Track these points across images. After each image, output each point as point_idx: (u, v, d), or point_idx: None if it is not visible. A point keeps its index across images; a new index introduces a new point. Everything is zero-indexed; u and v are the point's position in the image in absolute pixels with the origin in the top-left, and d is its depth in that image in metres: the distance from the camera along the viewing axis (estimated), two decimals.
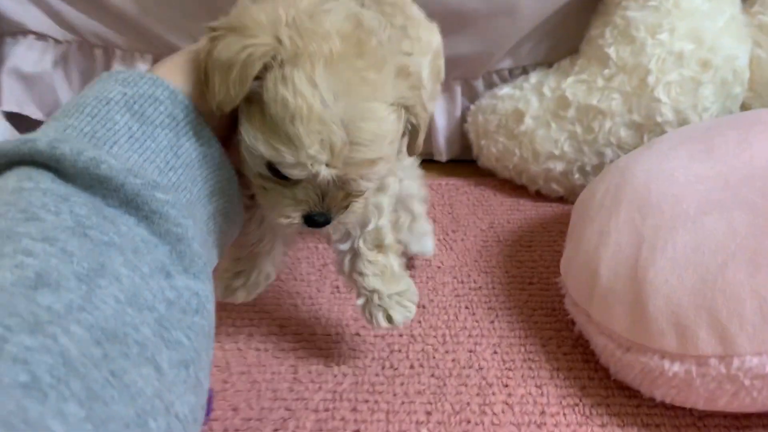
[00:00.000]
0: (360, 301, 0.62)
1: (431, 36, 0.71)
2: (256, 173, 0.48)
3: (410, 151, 0.54)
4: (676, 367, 0.58)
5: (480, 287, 0.81)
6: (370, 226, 0.59)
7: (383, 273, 0.60)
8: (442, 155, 1.08)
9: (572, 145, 0.93)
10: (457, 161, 1.10)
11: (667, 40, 0.86)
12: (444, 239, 0.90)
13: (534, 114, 0.95)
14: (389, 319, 0.61)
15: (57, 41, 1.01)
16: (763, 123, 0.70)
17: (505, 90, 1.00)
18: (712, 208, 0.62)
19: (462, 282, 0.82)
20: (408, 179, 0.73)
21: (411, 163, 0.72)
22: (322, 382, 0.66)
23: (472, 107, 1.04)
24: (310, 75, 0.43)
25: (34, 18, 0.98)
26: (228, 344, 0.70)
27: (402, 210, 0.74)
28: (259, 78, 0.44)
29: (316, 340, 0.71)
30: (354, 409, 0.63)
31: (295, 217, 0.49)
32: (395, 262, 0.62)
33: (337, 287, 0.79)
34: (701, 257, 0.59)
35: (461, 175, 1.07)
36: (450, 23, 0.90)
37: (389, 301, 0.60)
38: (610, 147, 0.91)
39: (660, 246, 0.62)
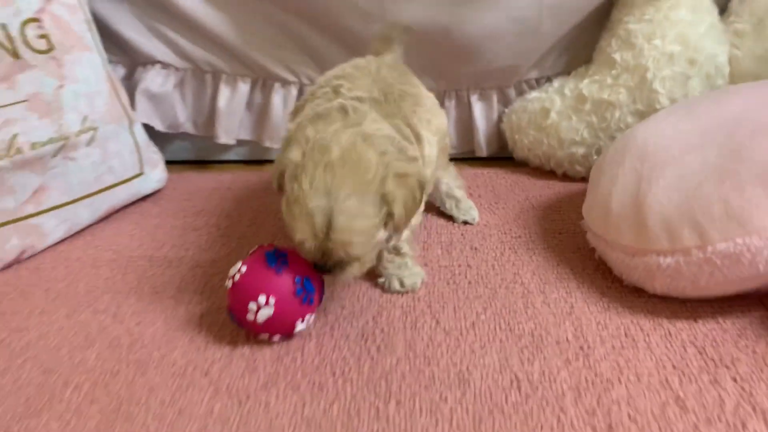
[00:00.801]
0: (381, 280, 0.87)
1: (440, 120, 0.91)
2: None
3: (394, 229, 0.71)
4: (669, 260, 0.79)
5: (519, 236, 1.02)
6: (391, 243, 0.84)
7: (399, 267, 0.86)
8: (483, 151, 1.32)
9: (590, 132, 1.16)
10: (496, 158, 1.33)
11: (660, 44, 1.09)
12: (488, 207, 1.12)
13: (558, 110, 1.18)
14: (401, 283, 0.86)
15: (176, 69, 1.28)
16: (730, 92, 0.92)
17: (533, 94, 1.24)
18: (692, 149, 0.83)
19: (505, 233, 1.03)
20: (447, 178, 1.03)
21: (446, 164, 1.01)
22: (404, 293, 0.88)
23: (506, 110, 1.28)
24: (311, 177, 0.65)
25: (160, 51, 1.26)
26: None
27: (447, 198, 1.05)
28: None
29: None
30: (429, 306, 0.85)
31: (307, 255, 0.70)
32: (410, 261, 0.87)
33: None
34: (684, 182, 0.80)
35: (500, 166, 1.30)
36: (486, 43, 1.16)
37: (402, 272, 0.86)
38: (620, 131, 1.13)
39: (654, 179, 0.83)
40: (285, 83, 1.28)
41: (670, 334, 0.78)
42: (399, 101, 0.80)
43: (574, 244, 0.98)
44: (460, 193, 1.06)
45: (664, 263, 0.79)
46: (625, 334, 0.78)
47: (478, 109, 1.28)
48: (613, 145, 0.96)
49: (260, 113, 1.31)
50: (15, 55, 0.93)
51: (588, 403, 0.67)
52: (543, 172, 1.26)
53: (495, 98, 1.29)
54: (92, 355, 0.77)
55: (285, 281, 0.71)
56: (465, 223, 1.06)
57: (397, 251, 0.86)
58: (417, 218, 0.83)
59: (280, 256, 0.73)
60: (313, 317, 0.76)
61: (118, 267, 0.96)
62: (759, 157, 0.76)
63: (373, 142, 0.68)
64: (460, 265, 0.94)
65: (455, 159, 1.25)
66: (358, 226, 0.66)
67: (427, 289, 0.89)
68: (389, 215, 0.68)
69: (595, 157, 1.16)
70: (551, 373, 0.72)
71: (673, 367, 0.72)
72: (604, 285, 0.88)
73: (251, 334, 0.77)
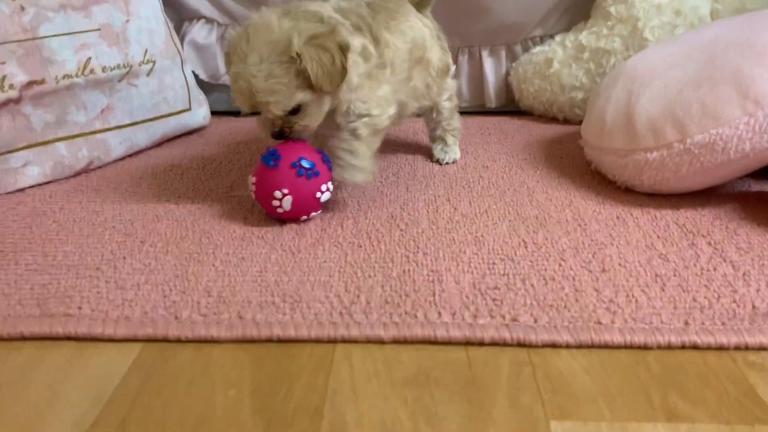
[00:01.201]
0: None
1: (417, 34, 0.97)
2: None
3: (315, 84, 0.79)
4: (654, 155, 0.92)
5: (525, 158, 1.16)
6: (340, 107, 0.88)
7: (353, 152, 0.89)
8: (492, 103, 1.46)
9: (588, 77, 1.30)
10: (503, 111, 1.47)
11: None
12: (498, 142, 1.26)
13: (560, 59, 1.33)
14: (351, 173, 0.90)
15: (219, 23, 1.43)
16: (706, 25, 1.07)
17: (537, 48, 1.39)
18: (674, 65, 0.97)
19: (513, 157, 1.17)
20: (452, 79, 1.11)
21: (441, 88, 1.08)
22: (427, 187, 1.01)
23: (514, 64, 1.42)
24: (233, 48, 0.79)
25: (204, 7, 1.41)
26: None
27: (435, 137, 1.15)
28: None
29: (417, 170, 1.07)
30: (447, 200, 0.98)
31: (265, 133, 0.86)
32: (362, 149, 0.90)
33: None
34: (667, 91, 0.94)
35: (508, 116, 1.44)
36: (497, 0, 1.30)
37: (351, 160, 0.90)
38: None
39: (642, 92, 0.97)
40: None
41: (655, 217, 0.91)
42: (374, 15, 0.92)
43: (573, 164, 1.12)
44: (450, 138, 1.14)
45: (650, 158, 0.92)
46: (617, 217, 0.91)
47: (488, 64, 1.43)
48: (608, 75, 1.10)
49: None
50: None
51: (584, 257, 0.80)
52: (546, 118, 1.40)
53: (504, 54, 1.43)
54: (161, 226, 0.90)
55: (284, 171, 0.84)
56: (437, 162, 1.13)
57: (353, 132, 0.89)
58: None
59: (272, 154, 0.85)
60: (330, 185, 0.88)
61: (174, 174, 1.10)
62: (729, 64, 0.90)
63: (293, 16, 0.80)
64: (473, 177, 1.07)
65: (466, 112, 1.40)
66: (270, 86, 0.78)
67: (445, 188, 1.02)
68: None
69: None
70: (553, 239, 0.85)
71: (657, 236, 0.85)
72: (599, 187, 1.01)
73: (293, 220, 0.90)
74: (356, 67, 0.85)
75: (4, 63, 0.97)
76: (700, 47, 0.98)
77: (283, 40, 0.77)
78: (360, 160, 0.90)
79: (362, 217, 0.92)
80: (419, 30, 0.99)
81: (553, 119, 1.39)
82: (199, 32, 1.41)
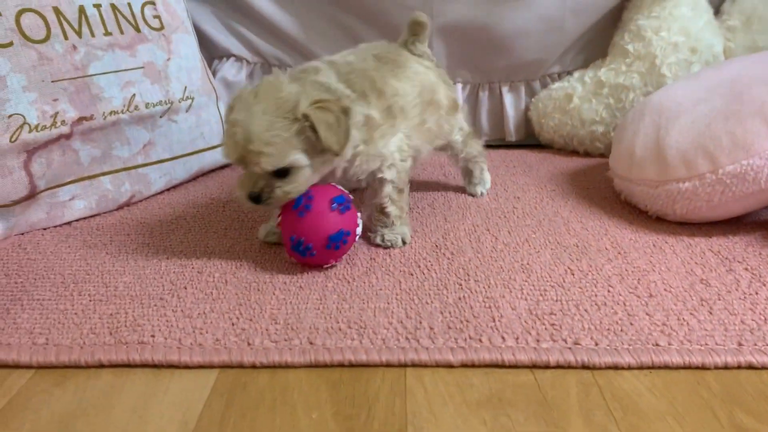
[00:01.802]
0: (370, 234, 0.96)
1: (426, 78, 1.00)
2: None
3: (324, 144, 0.79)
4: (687, 185, 0.96)
5: (553, 190, 1.20)
6: (337, 173, 0.89)
7: (385, 225, 0.95)
8: (512, 137, 1.50)
9: (608, 112, 1.35)
10: (522, 145, 1.52)
11: (666, 35, 1.30)
12: (523, 173, 1.30)
13: (579, 95, 1.38)
14: (383, 239, 0.94)
15: (248, 62, 1.48)
16: (726, 62, 1.12)
17: (556, 84, 1.44)
18: (700, 101, 1.02)
19: (541, 189, 1.21)
20: (460, 113, 1.11)
21: (461, 130, 1.11)
22: (464, 218, 1.04)
23: (533, 99, 1.47)
24: (237, 112, 0.79)
25: (234, 45, 1.46)
26: None
27: (464, 170, 1.17)
28: None
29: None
30: (487, 230, 1.01)
31: (242, 193, 0.81)
32: (395, 220, 0.95)
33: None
34: (696, 125, 0.99)
35: (528, 149, 1.49)
36: (518, 39, 1.36)
37: (384, 230, 0.95)
38: None
39: (671, 126, 1.02)
40: None
41: (690, 244, 0.94)
42: (381, 66, 0.94)
43: (601, 195, 1.16)
44: (476, 169, 1.16)
45: (683, 188, 0.97)
46: (654, 245, 0.95)
47: (508, 99, 1.48)
48: (632, 110, 1.15)
49: None
50: (137, 29, 1.12)
51: (630, 282, 0.83)
52: (566, 152, 1.44)
53: (523, 90, 1.48)
54: (215, 256, 0.92)
55: (326, 218, 0.83)
56: (471, 195, 1.17)
57: (381, 210, 0.95)
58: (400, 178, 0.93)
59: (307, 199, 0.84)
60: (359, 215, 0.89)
61: (216, 207, 1.12)
62: (756, 98, 0.95)
63: (301, 82, 0.83)
64: (507, 207, 1.11)
65: (488, 146, 1.44)
66: (268, 137, 0.77)
67: (482, 219, 1.06)
68: (314, 134, 0.78)
69: (612, 133, 1.35)
70: (597, 266, 0.88)
71: (695, 263, 0.89)
72: (631, 216, 1.05)
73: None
74: (353, 138, 0.85)
75: (56, 100, 1.00)
76: (724, 82, 1.03)
77: (291, 101, 0.79)
78: (393, 228, 0.96)
79: (407, 246, 0.95)
80: (424, 73, 1.01)
81: (573, 152, 1.43)
82: (229, 70, 1.46)
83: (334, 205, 0.84)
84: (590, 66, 1.43)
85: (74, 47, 1.03)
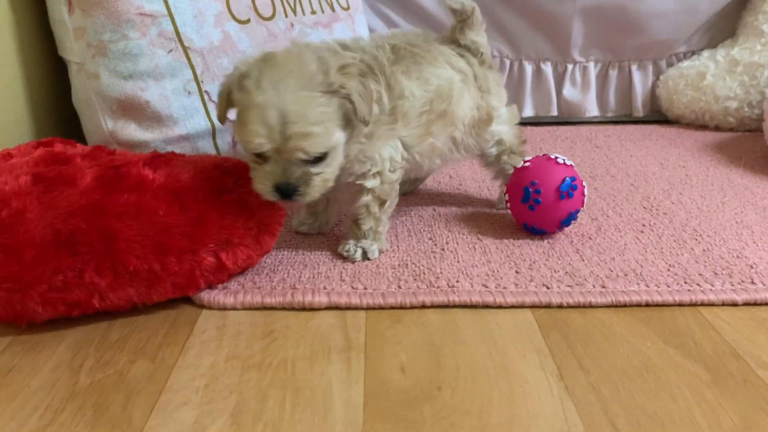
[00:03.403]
0: (341, 246, 0.85)
1: (442, 83, 0.85)
2: (249, 158, 0.71)
3: (360, 119, 0.71)
4: None
5: (712, 159, 1.28)
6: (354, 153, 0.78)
7: (359, 238, 0.84)
8: (639, 112, 1.59)
9: (742, 88, 1.44)
10: (648, 121, 1.61)
11: None
12: (670, 144, 1.38)
13: (713, 73, 1.47)
14: (344, 248, 0.84)
15: None
16: None
17: (686, 63, 1.53)
18: None
19: (700, 159, 1.29)
20: (503, 125, 0.96)
21: (507, 112, 0.96)
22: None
23: (662, 77, 1.56)
24: (257, 79, 0.66)
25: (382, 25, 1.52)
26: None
27: (497, 145, 0.96)
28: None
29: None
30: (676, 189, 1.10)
31: (267, 186, 0.69)
32: (369, 234, 0.84)
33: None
34: None
35: (656, 123, 1.57)
36: (653, 19, 1.44)
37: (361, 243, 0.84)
38: None
39: None
40: None
41: None
42: (396, 60, 0.82)
43: (761, 163, 1.24)
44: (513, 141, 0.98)
45: None
46: None
47: (637, 77, 1.56)
48: None
49: None
50: (332, 8, 1.19)
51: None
52: (695, 126, 1.53)
53: (651, 69, 1.57)
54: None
55: (557, 207, 0.87)
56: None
57: (354, 221, 0.84)
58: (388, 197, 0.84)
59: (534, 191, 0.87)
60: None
61: None
62: None
63: (312, 49, 0.75)
64: (680, 175, 1.19)
65: (613, 122, 1.52)
66: (313, 115, 0.66)
67: (667, 184, 1.14)
68: (350, 105, 0.69)
69: (746, 108, 1.44)
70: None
71: None
72: None
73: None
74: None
75: None
76: None
77: (321, 71, 0.69)
78: (366, 242, 0.85)
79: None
80: (447, 78, 0.86)
81: (702, 126, 1.52)
82: None
83: (562, 195, 0.86)
84: (720, 45, 1.52)
85: (292, 25, 1.09)
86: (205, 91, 0.96)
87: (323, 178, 0.71)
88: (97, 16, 0.89)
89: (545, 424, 0.56)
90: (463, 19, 0.90)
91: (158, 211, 0.70)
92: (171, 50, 0.93)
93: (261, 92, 0.65)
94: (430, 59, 0.85)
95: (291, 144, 0.66)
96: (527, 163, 0.90)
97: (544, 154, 0.92)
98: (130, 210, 0.69)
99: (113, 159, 0.77)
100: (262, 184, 0.70)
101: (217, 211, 0.73)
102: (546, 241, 0.91)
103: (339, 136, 0.71)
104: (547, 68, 1.55)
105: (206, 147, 0.97)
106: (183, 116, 0.94)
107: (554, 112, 1.57)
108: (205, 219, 0.72)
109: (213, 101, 0.97)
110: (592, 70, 1.55)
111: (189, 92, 0.95)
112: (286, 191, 0.69)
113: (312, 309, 0.74)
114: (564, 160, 0.89)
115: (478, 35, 0.92)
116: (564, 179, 0.87)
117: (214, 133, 0.98)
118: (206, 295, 0.75)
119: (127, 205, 0.70)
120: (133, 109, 0.92)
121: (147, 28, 0.91)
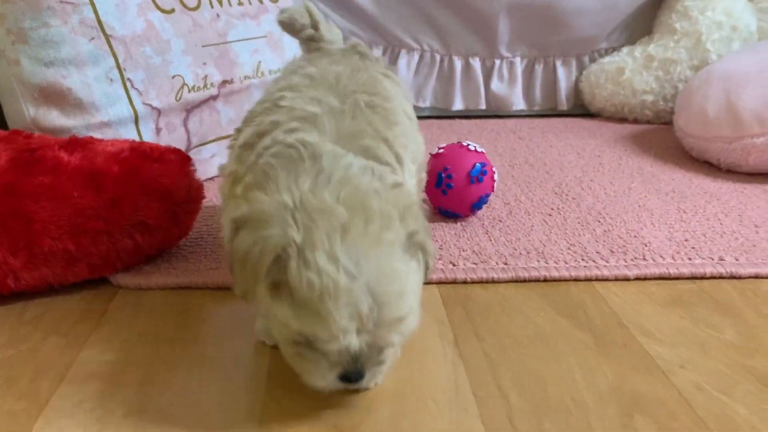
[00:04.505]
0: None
1: (418, 147, 0.70)
2: (288, 342, 0.49)
3: (430, 273, 0.54)
4: (761, 139, 1.14)
5: (626, 150, 1.36)
6: None
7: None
8: (564, 105, 1.66)
9: (657, 83, 1.52)
10: (572, 114, 1.68)
11: (711, 15, 1.48)
12: (589, 136, 1.46)
13: (631, 68, 1.55)
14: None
15: None
16: None
17: (606, 59, 1.61)
18: (764, 69, 1.20)
19: (614, 149, 1.37)
20: None
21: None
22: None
23: (584, 72, 1.63)
24: (329, 252, 0.45)
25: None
26: None
27: None
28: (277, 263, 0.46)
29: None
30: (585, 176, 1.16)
31: (331, 379, 0.50)
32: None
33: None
34: (764, 90, 1.16)
35: (579, 116, 1.65)
36: (576, 17, 1.51)
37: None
38: (681, 82, 1.50)
39: (741, 90, 1.19)
40: (409, 50, 1.59)
41: (765, 191, 1.12)
42: (367, 114, 0.60)
43: (670, 153, 1.32)
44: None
45: (758, 142, 1.14)
46: (734, 190, 1.11)
47: (561, 72, 1.63)
48: (695, 79, 1.32)
49: None
50: (260, 0, 1.21)
51: (734, 218, 1.00)
52: (616, 119, 1.61)
53: (574, 64, 1.64)
54: None
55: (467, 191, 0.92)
56: None
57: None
58: None
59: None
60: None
61: None
62: None
63: (358, 181, 0.51)
64: (594, 164, 1.26)
65: (540, 115, 1.59)
66: (409, 287, 0.49)
67: (581, 171, 1.20)
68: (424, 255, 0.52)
69: (661, 102, 1.53)
70: (700, 207, 1.04)
71: None
72: (705, 169, 1.22)
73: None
74: None
75: (205, 64, 1.09)
76: None
77: (392, 219, 0.49)
78: None
79: (533, 197, 1.09)
80: (414, 136, 0.70)
81: (622, 119, 1.60)
82: None
83: (473, 180, 0.92)
84: (637, 42, 1.60)
85: (217, 15, 1.12)
86: (128, 79, 0.97)
87: (395, 353, 0.54)
88: (16, 3, 0.90)
89: (436, 384, 0.61)
90: (315, 25, 0.79)
91: (73, 192, 0.71)
92: (93, 38, 0.94)
93: (343, 272, 0.46)
94: (395, 113, 0.66)
95: (384, 332, 0.48)
96: (441, 150, 0.95)
97: (457, 142, 0.96)
98: (45, 192, 0.71)
99: (29, 142, 0.78)
100: (323, 379, 0.51)
101: (133, 193, 0.75)
102: (459, 223, 0.96)
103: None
104: (476, 63, 1.61)
105: (129, 134, 0.98)
106: (105, 103, 0.95)
107: (483, 106, 1.62)
108: (121, 201, 0.74)
109: (136, 89, 0.98)
110: (519, 66, 1.62)
111: (111, 80, 0.96)
112: (355, 379, 0.51)
113: (227, 288, 0.77)
114: (476, 147, 0.94)
115: (330, 32, 0.80)
116: (474, 165, 0.92)
117: (137, 119, 0.99)
118: (122, 277, 0.77)
119: (42, 187, 0.71)
120: (55, 96, 0.93)
121: (68, 16, 0.92)
